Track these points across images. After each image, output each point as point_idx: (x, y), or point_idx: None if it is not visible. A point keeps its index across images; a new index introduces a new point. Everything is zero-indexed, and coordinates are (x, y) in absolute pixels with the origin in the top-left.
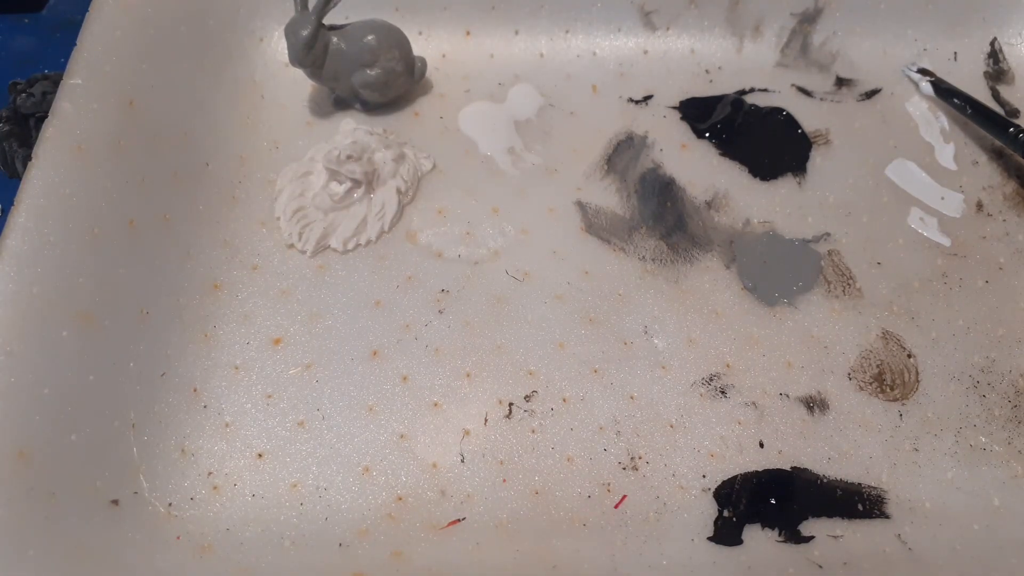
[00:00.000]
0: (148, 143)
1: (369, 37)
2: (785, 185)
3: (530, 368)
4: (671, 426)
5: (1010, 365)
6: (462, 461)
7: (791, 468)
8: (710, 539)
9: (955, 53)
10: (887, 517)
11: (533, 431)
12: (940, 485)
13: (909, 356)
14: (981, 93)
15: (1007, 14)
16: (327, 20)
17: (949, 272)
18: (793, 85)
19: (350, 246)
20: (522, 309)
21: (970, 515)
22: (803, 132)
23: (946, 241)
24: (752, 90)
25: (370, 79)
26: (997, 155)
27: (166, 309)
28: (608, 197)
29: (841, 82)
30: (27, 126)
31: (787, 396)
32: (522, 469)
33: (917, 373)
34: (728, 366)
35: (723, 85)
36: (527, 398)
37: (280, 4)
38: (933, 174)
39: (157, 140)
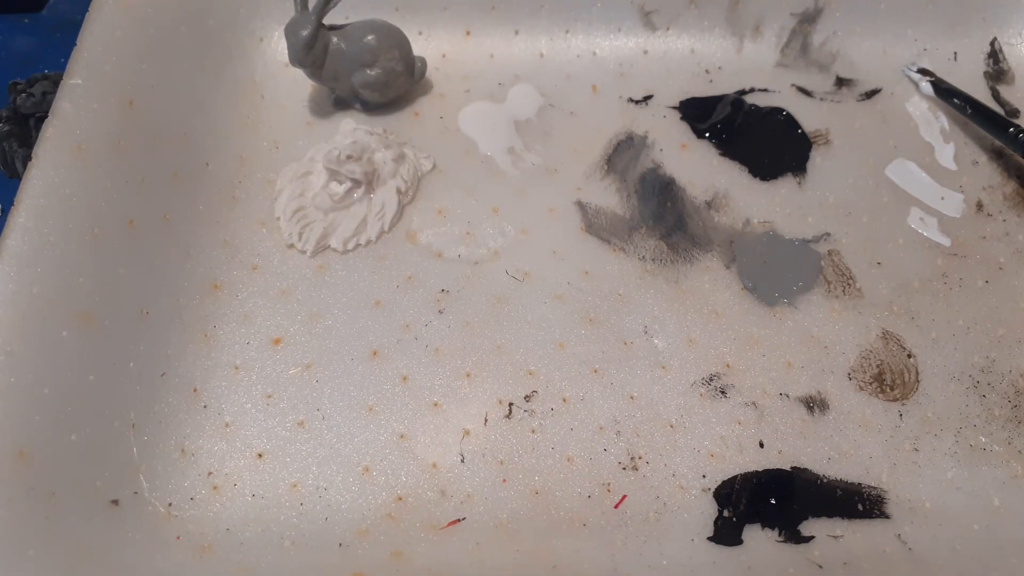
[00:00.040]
0: (148, 143)
1: (369, 37)
2: (785, 185)
3: (530, 368)
4: (671, 426)
5: (1010, 365)
6: (462, 461)
7: (791, 468)
8: (710, 539)
9: (955, 53)
10: (887, 517)
11: (533, 431)
12: (940, 485)
13: (909, 356)
14: (981, 93)
15: (1007, 14)
16: (327, 20)
17: (949, 272)
18: (793, 85)
19: (350, 246)
20: (522, 309)
21: (970, 515)
22: (803, 132)
23: (946, 241)
24: (752, 90)
25: (370, 79)
26: (997, 155)
27: (166, 309)
28: (608, 197)
29: (841, 82)
30: (27, 126)
31: (787, 396)
32: (522, 469)
33: (917, 373)
34: (728, 366)
35: (723, 85)
36: (527, 398)
37: (280, 4)
38: (933, 174)
39: (157, 140)
